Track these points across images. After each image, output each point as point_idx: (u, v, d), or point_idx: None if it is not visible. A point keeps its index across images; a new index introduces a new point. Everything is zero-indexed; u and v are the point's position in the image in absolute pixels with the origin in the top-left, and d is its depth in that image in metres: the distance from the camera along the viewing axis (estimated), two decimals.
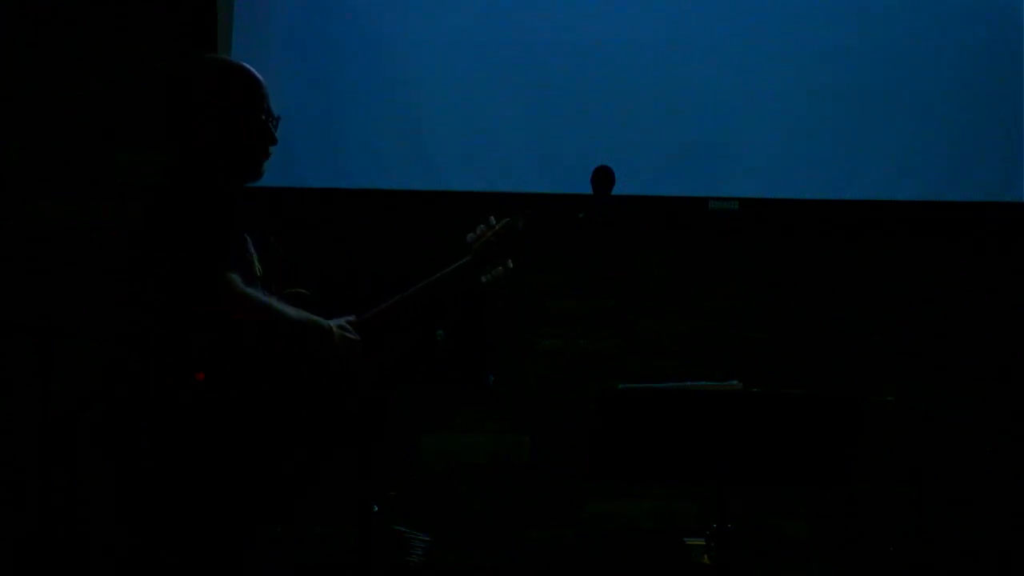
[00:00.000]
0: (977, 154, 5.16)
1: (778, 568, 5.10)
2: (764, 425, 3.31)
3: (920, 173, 5.17)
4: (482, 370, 3.83)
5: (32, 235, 5.08)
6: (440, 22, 5.09)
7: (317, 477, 3.18)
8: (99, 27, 5.11)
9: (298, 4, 5.13)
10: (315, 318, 3.19)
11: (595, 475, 3.40)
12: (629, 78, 5.11)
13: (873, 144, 5.15)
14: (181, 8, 5.11)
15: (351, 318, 3.32)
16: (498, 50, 5.09)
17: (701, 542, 3.46)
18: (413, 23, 5.10)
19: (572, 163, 4.83)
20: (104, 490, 4.50)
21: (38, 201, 5.10)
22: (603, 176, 3.50)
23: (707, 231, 5.16)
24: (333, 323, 3.22)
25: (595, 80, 5.12)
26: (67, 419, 4.85)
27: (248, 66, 3.35)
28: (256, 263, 3.30)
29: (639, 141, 5.08)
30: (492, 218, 3.45)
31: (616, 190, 3.52)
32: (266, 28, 5.12)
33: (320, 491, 3.17)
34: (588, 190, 3.53)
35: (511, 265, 3.44)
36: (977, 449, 5.13)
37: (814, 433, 3.32)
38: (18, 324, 4.61)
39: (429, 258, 3.80)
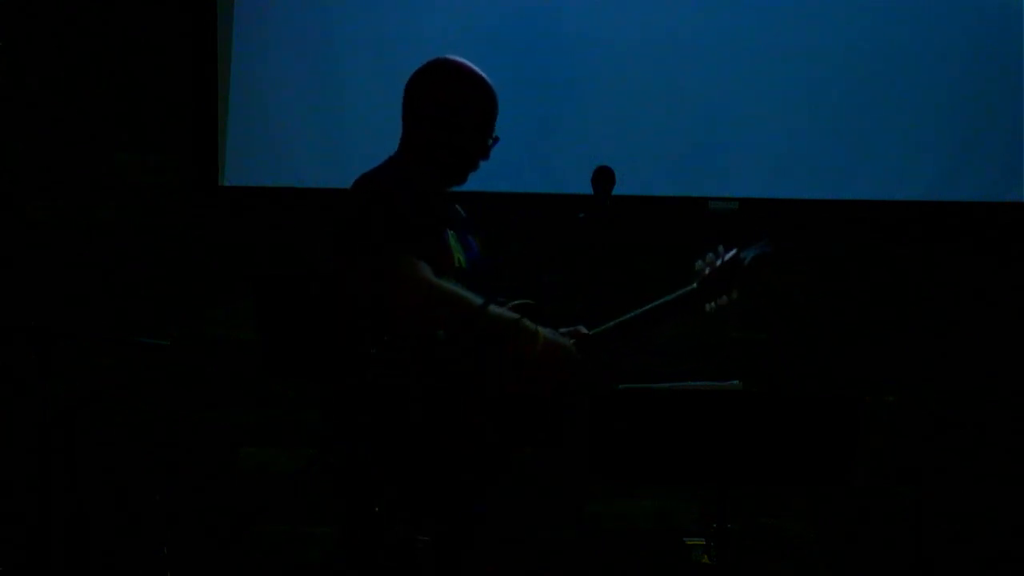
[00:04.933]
0: (977, 154, 5.16)
1: (778, 568, 5.10)
2: (764, 425, 3.31)
3: (920, 173, 5.17)
4: None
5: (32, 235, 5.08)
6: (440, 22, 5.09)
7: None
8: (99, 27, 5.11)
9: (298, 4, 5.13)
10: (515, 318, 3.24)
11: (595, 475, 3.40)
12: (629, 78, 5.11)
13: (873, 144, 5.15)
14: (181, 8, 5.11)
15: (582, 329, 3.43)
16: (498, 50, 5.08)
17: (701, 542, 3.47)
18: (413, 23, 5.09)
19: (572, 163, 4.82)
20: (106, 490, 4.50)
21: (38, 201, 5.10)
22: (603, 176, 3.50)
23: (707, 231, 5.15)
24: (546, 331, 3.26)
25: (595, 80, 5.12)
26: (67, 419, 4.85)
27: (489, 82, 3.45)
28: (459, 256, 3.39)
29: (639, 141, 5.08)
30: (721, 247, 3.48)
31: (616, 190, 3.52)
32: (266, 28, 5.12)
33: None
34: (588, 190, 3.53)
35: (736, 296, 3.47)
36: (977, 449, 5.13)
37: (814, 433, 3.32)
38: (18, 324, 4.60)
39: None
